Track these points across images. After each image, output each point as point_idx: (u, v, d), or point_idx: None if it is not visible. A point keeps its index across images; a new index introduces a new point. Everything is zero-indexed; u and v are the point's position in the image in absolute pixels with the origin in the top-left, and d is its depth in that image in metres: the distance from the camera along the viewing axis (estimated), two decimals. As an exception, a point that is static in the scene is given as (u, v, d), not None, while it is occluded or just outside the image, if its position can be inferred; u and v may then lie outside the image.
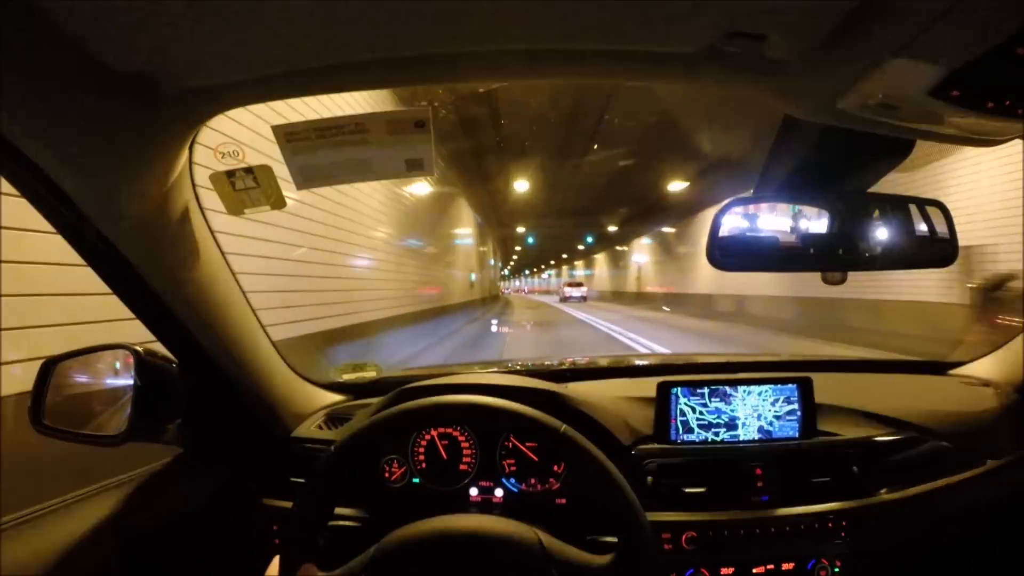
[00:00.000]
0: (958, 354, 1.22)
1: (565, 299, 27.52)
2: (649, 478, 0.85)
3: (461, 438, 0.92)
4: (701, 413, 0.91)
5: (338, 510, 0.75)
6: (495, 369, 1.25)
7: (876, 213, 0.71)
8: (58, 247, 0.64)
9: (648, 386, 0.94)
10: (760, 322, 11.43)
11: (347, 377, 1.14)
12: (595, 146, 10.71)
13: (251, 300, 0.85)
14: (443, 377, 0.97)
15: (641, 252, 28.41)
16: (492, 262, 31.48)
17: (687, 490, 0.85)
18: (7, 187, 0.56)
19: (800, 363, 1.28)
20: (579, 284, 30.66)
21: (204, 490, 0.82)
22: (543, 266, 67.74)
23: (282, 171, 0.68)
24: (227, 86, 0.53)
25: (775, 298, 11.69)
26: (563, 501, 0.89)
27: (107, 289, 0.69)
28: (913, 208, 0.71)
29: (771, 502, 0.85)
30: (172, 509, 0.77)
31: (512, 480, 0.90)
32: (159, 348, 0.79)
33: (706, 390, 0.91)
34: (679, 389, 0.91)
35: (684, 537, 0.81)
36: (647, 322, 12.87)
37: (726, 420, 0.91)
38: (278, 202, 0.70)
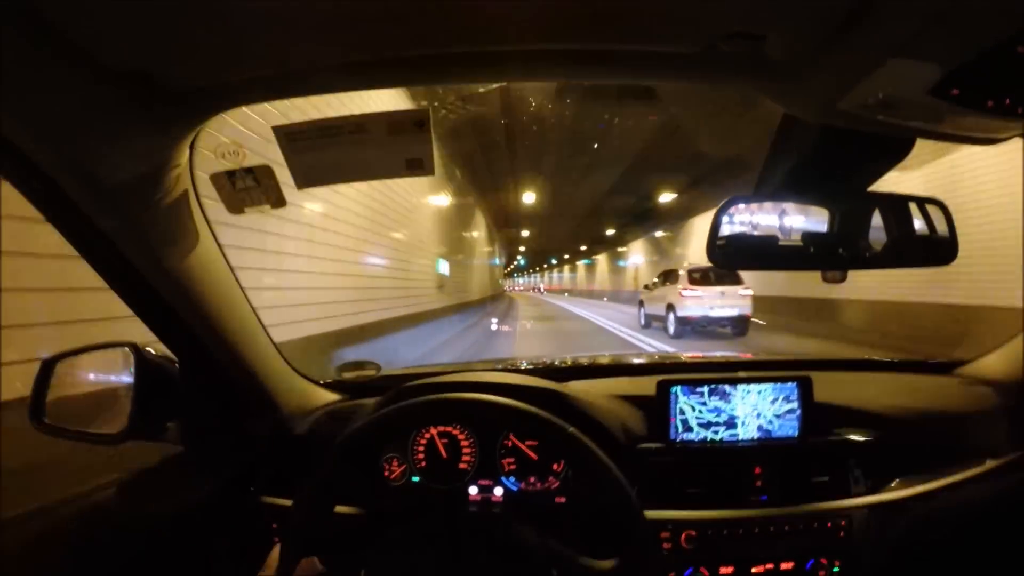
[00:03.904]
0: (959, 353, 1.22)
1: (686, 322, 8.69)
2: (649, 477, 0.85)
3: (461, 437, 0.92)
4: (700, 412, 0.91)
5: (338, 508, 0.76)
6: (496, 367, 1.25)
7: (876, 212, 0.71)
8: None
9: (648, 385, 0.94)
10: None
11: (347, 375, 1.14)
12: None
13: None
14: (443, 375, 0.97)
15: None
16: (496, 261, 26.07)
17: (686, 489, 0.85)
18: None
19: (800, 362, 1.28)
20: (734, 285, 8.62)
21: (204, 488, 0.83)
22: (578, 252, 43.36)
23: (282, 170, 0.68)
24: (227, 86, 0.53)
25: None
26: (562, 500, 0.89)
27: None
28: (913, 207, 0.71)
29: (770, 501, 0.85)
30: (172, 507, 0.77)
31: (512, 479, 0.90)
32: (159, 347, 0.80)
33: (706, 389, 0.91)
34: (679, 388, 0.91)
35: (683, 536, 0.81)
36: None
37: (726, 419, 0.91)
38: (278, 202, 0.70)
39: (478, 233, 16.46)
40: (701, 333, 8.89)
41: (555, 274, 65.09)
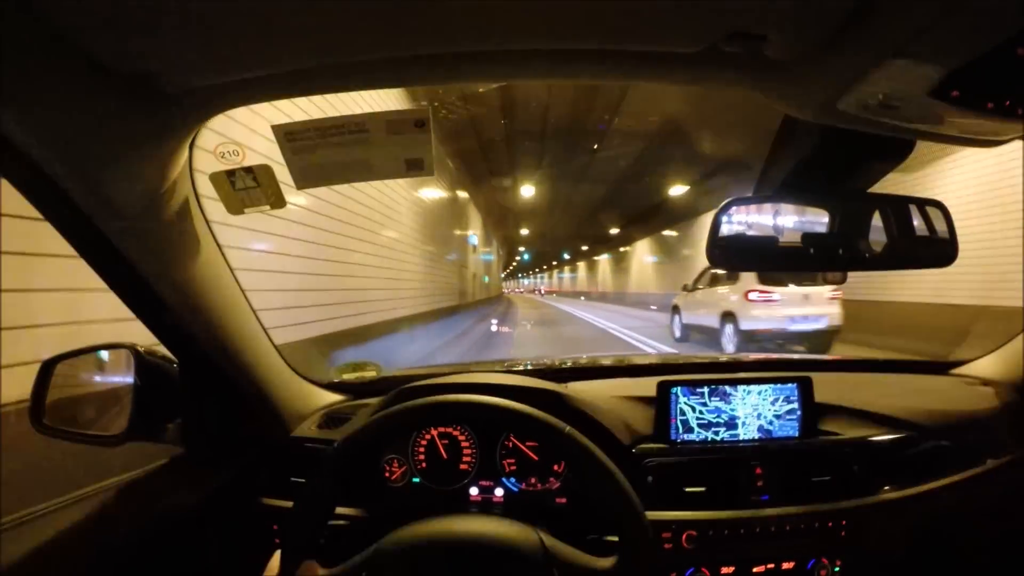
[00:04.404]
0: (958, 353, 1.22)
1: (753, 336, 6.23)
2: (649, 477, 0.85)
3: (461, 438, 0.92)
4: (701, 412, 0.91)
5: (339, 510, 0.75)
6: (496, 369, 1.25)
7: (876, 213, 0.71)
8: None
9: (648, 385, 0.94)
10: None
11: (347, 377, 1.14)
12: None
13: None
14: (443, 377, 0.97)
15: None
16: (489, 256, 21.51)
17: (687, 489, 0.85)
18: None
19: (800, 363, 1.28)
20: (818, 284, 5.91)
21: (204, 490, 0.83)
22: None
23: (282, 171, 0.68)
24: (227, 86, 0.53)
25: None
26: (563, 500, 0.89)
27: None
28: (913, 208, 0.71)
29: (771, 501, 0.85)
30: (172, 509, 0.77)
31: (512, 480, 0.90)
32: (159, 348, 0.79)
33: (706, 389, 0.91)
34: (679, 388, 0.91)
35: (684, 536, 0.81)
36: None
37: (726, 419, 0.91)
38: (278, 202, 0.70)
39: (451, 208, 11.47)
40: (766, 350, 6.27)
41: (567, 274, 56.42)
